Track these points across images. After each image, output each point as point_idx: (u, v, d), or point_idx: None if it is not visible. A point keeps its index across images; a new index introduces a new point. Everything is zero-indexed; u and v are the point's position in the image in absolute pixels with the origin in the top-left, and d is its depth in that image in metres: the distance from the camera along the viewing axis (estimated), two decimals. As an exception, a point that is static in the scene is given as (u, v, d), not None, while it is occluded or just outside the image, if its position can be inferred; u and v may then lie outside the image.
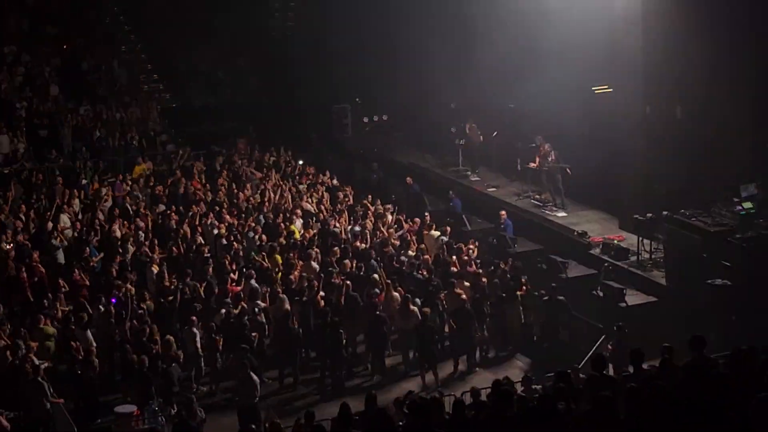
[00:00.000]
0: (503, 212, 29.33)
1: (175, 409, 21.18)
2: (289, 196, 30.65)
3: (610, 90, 29.57)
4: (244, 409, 20.40)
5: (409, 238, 27.66)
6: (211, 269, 25.48)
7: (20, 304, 24.65)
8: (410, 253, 26.65)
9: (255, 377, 20.86)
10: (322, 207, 29.97)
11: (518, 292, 24.94)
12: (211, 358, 23.05)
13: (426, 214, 29.27)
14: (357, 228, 28.32)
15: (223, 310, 23.62)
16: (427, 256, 26.47)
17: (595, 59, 28.36)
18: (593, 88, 30.17)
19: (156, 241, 27.22)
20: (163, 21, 41.56)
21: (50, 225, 28.07)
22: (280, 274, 25.67)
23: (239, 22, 41.59)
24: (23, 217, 28.65)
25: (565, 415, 12.55)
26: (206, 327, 23.12)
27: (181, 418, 18.72)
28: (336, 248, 26.83)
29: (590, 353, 20.81)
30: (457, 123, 34.43)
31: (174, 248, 26.82)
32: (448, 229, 28.32)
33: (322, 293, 24.02)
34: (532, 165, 30.66)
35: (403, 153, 36.18)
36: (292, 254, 26.50)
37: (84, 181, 31.90)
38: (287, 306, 23.85)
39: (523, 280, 25.12)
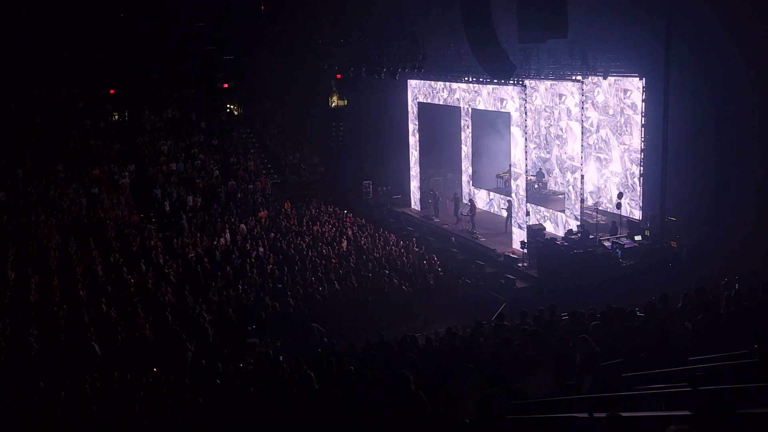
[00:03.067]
0: (453, 238, 29.44)
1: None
2: (339, 228, 30.80)
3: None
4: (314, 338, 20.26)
5: (402, 250, 27.75)
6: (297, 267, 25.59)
7: (197, 285, 24.66)
8: (404, 258, 26.76)
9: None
10: (357, 234, 30.09)
11: (459, 281, 25.01)
12: (299, 313, 22.87)
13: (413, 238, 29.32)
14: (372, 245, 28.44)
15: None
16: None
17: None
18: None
19: (269, 252, 27.37)
20: (272, 137, 42.27)
21: (214, 243, 28.26)
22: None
23: (313, 137, 42.31)
24: (198, 240, 28.85)
25: (483, 345, 12.59)
26: (295, 297, 23.14)
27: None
28: (363, 256, 26.91)
29: (497, 313, 20.78)
30: (428, 190, 34.52)
31: (280, 256, 26.94)
32: (423, 247, 28.44)
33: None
34: (464, 213, 30.73)
35: (398, 206, 36.13)
36: (341, 259, 26.56)
37: (233, 219, 32.16)
38: (337, 286, 23.86)
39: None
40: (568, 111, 27.75)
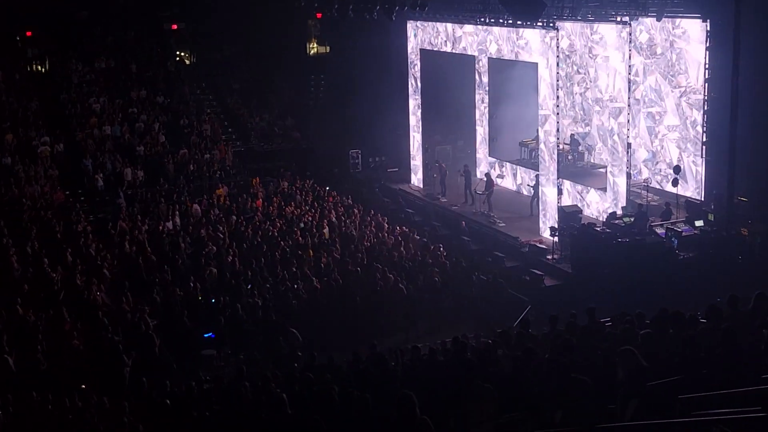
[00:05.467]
0: (463, 222, 29.51)
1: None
2: (320, 210, 30.82)
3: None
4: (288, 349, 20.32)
5: (400, 239, 27.79)
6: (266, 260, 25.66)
7: (138, 281, 24.72)
8: (402, 249, 26.80)
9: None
10: (342, 218, 30.11)
11: (472, 277, 25.08)
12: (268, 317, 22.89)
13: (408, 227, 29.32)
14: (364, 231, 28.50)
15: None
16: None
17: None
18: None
19: (230, 240, 27.41)
20: (234, 93, 42.28)
21: (159, 228, 28.34)
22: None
23: (286, 94, 42.30)
24: (139, 224, 28.89)
25: (502, 359, 12.61)
26: (263, 297, 23.17)
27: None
28: (351, 245, 26.96)
29: (520, 318, 20.83)
30: (432, 162, 34.56)
31: (244, 245, 26.99)
32: (426, 234, 28.49)
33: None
34: (478, 192, 30.78)
35: (395, 182, 36.13)
36: (321, 249, 26.62)
37: (183, 198, 32.18)
38: (316, 284, 23.90)
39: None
40: (606, 61, 27.77)
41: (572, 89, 32.59)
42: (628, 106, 26.67)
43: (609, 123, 27.52)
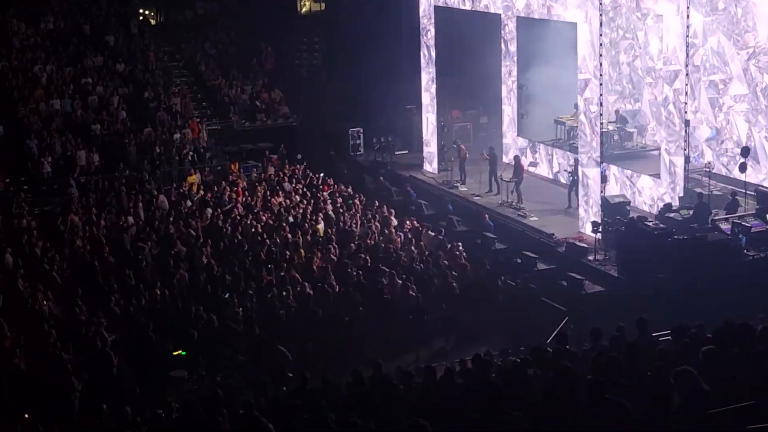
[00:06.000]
0: (486, 215, 29.49)
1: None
2: (313, 202, 30.80)
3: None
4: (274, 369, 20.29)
5: (410, 236, 27.76)
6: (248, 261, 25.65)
7: (93, 287, 24.68)
8: (412, 248, 26.76)
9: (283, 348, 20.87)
10: (340, 211, 30.09)
11: (497, 282, 25.04)
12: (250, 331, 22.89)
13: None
14: (367, 228, 28.49)
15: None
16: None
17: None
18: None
19: (205, 238, 27.42)
20: (209, 60, 42.30)
21: (119, 223, 28.36)
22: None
23: (273, 60, 42.33)
24: (95, 218, 28.87)
25: (533, 380, 12.60)
26: (244, 307, 23.14)
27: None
28: (351, 244, 26.94)
29: (555, 332, 20.78)
30: (450, 143, 34.52)
31: (222, 244, 27.01)
32: (443, 230, 28.47)
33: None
34: (505, 179, 30.72)
35: (404, 168, 36.10)
36: (315, 249, 26.61)
37: (148, 186, 32.20)
38: (308, 290, 23.86)
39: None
40: (658, 21, 27.65)
41: (618, 58, 32.53)
42: (686, 67, 26.45)
43: (663, 92, 27.40)
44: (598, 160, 27.53)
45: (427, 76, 34.97)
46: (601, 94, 27.30)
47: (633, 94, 32.76)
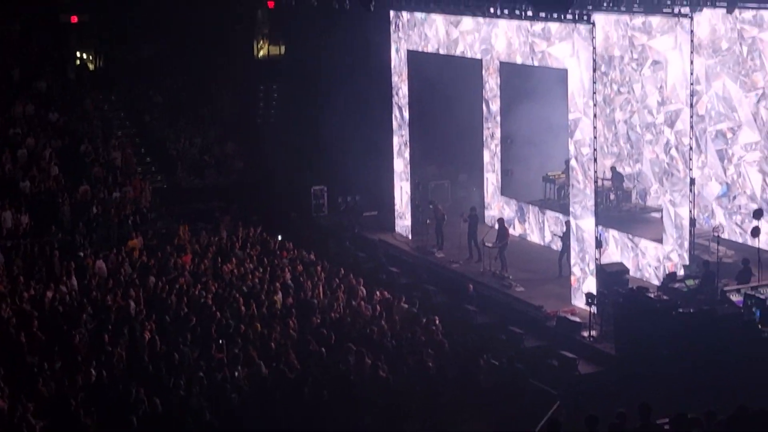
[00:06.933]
0: (470, 285, 29.39)
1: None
2: (270, 269, 30.64)
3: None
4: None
5: (380, 309, 27.60)
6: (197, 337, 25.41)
7: (18, 367, 24.38)
8: (383, 323, 26.59)
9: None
10: (301, 279, 29.93)
11: (479, 362, 24.89)
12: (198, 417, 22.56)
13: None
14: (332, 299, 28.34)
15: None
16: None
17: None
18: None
19: (148, 311, 27.17)
20: (155, 109, 42.31)
21: (50, 294, 28.05)
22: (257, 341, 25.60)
23: (226, 109, 42.37)
24: (23, 288, 28.60)
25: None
26: (191, 387, 22.82)
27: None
28: (313, 318, 26.75)
29: (546, 418, 20.67)
30: (425, 204, 34.54)
31: (166, 317, 26.75)
32: (417, 302, 28.35)
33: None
34: (488, 244, 30.72)
35: (373, 231, 36.07)
36: (272, 323, 26.40)
37: (81, 254, 31.93)
38: (264, 370, 23.63)
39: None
40: (655, 69, 27.87)
41: (613, 116, 32.69)
42: (690, 108, 26.47)
43: (665, 135, 27.41)
44: (593, 209, 27.42)
45: (400, 140, 35.07)
46: (595, 137, 27.29)
47: (632, 154, 32.86)
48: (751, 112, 28.82)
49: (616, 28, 29.29)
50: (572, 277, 28.24)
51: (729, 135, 29.61)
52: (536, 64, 29.77)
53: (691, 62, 26.43)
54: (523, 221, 33.60)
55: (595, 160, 27.43)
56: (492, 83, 33.58)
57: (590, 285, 27.06)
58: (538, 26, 28.85)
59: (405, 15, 34.29)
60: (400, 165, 35.16)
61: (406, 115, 34.62)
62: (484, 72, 33.51)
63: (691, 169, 26.73)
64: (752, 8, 27.71)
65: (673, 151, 26.95)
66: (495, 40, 31.16)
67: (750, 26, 28.18)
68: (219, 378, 23.12)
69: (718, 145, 29.93)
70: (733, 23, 28.48)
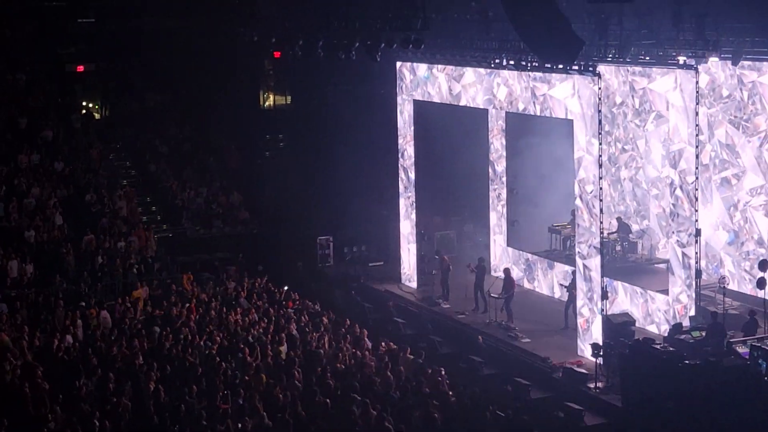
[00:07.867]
0: (480, 337, 29.38)
1: None
2: (275, 319, 30.64)
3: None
4: None
5: (386, 359, 27.60)
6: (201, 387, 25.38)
7: (23, 418, 24.33)
8: (389, 374, 26.58)
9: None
10: (306, 330, 29.93)
11: (485, 413, 24.87)
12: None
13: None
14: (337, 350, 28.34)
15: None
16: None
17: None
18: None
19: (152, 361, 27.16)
20: (160, 158, 42.47)
21: (54, 343, 28.09)
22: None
23: (232, 160, 42.57)
24: (28, 337, 28.62)
25: None
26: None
27: None
28: (318, 369, 26.75)
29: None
30: (431, 254, 34.61)
31: (169, 367, 26.73)
32: (423, 353, 28.34)
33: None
34: (494, 295, 30.76)
35: (379, 281, 36.11)
36: (277, 373, 26.39)
37: (82, 304, 31.94)
38: (268, 421, 23.61)
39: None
40: (659, 123, 28.04)
41: (618, 175, 32.83)
42: (696, 147, 26.59)
43: (671, 198, 27.58)
44: (598, 246, 27.52)
45: (406, 202, 35.20)
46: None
47: (639, 211, 32.95)
48: (754, 156, 28.96)
49: (617, 74, 29.59)
50: (581, 319, 28.25)
51: (734, 181, 29.73)
52: (538, 108, 29.80)
53: (696, 113, 26.62)
54: (530, 276, 33.66)
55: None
56: (497, 144, 33.84)
57: (597, 332, 27.12)
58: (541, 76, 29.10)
59: (408, 75, 34.48)
60: (407, 227, 35.28)
61: (413, 176, 34.79)
62: (489, 134, 33.68)
63: (697, 220, 26.88)
64: (757, 59, 27.83)
65: (678, 191, 27.09)
66: (497, 90, 31.34)
67: (749, 71, 28.36)
68: (223, 429, 23.13)
69: (723, 192, 30.04)
70: (732, 70, 28.65)
